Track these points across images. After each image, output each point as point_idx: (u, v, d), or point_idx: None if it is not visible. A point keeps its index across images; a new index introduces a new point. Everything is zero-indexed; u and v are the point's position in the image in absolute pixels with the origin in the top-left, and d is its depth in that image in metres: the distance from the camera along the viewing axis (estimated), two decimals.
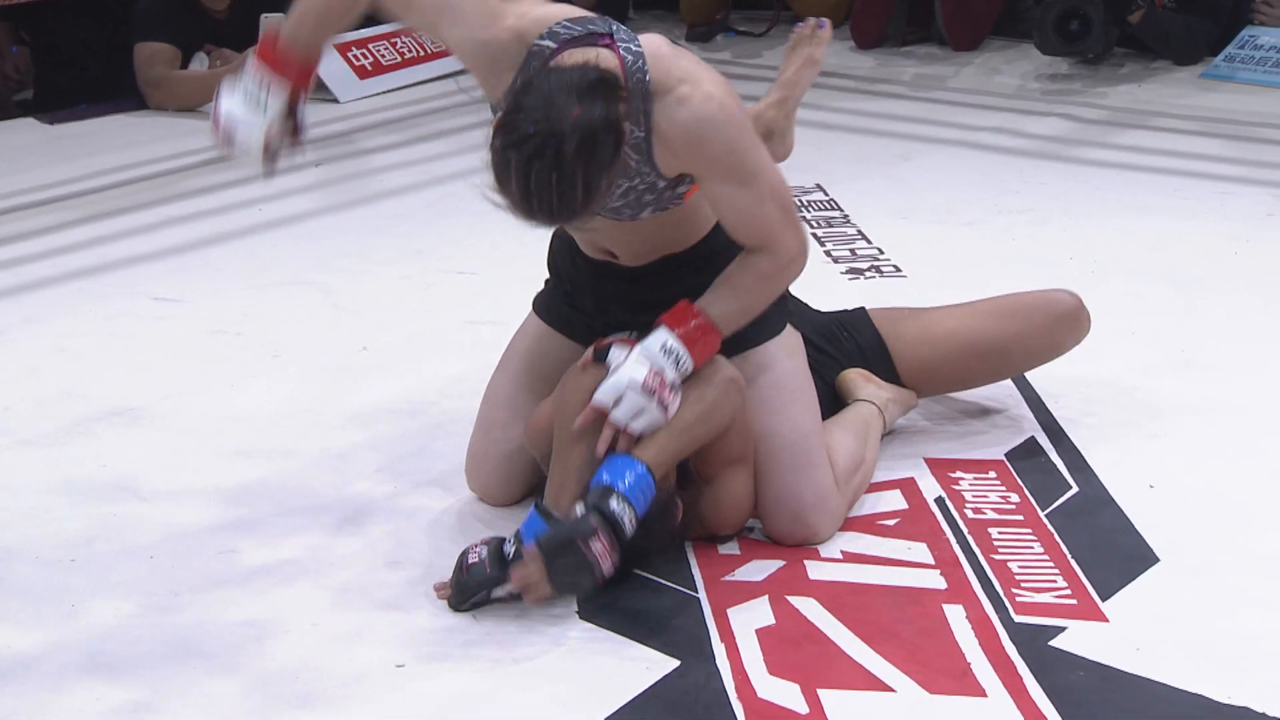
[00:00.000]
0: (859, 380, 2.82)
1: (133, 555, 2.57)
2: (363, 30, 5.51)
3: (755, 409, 2.50)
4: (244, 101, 2.49)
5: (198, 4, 5.21)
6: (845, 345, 2.86)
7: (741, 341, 2.50)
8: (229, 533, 2.63)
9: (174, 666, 2.27)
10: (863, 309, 2.92)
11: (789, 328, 2.58)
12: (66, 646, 2.32)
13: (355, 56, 5.41)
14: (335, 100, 5.25)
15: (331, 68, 5.31)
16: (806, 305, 2.85)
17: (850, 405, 2.78)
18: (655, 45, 2.36)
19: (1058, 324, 2.86)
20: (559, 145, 2.13)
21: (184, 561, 2.55)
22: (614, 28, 2.37)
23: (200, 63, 5.24)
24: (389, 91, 5.37)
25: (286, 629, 2.36)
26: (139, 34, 5.16)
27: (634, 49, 2.33)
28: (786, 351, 2.55)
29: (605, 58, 2.29)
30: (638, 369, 2.36)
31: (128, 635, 2.35)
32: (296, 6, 2.52)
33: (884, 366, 2.85)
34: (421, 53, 5.58)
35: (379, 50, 5.50)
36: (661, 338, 2.39)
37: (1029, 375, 3.08)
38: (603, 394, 2.36)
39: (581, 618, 2.38)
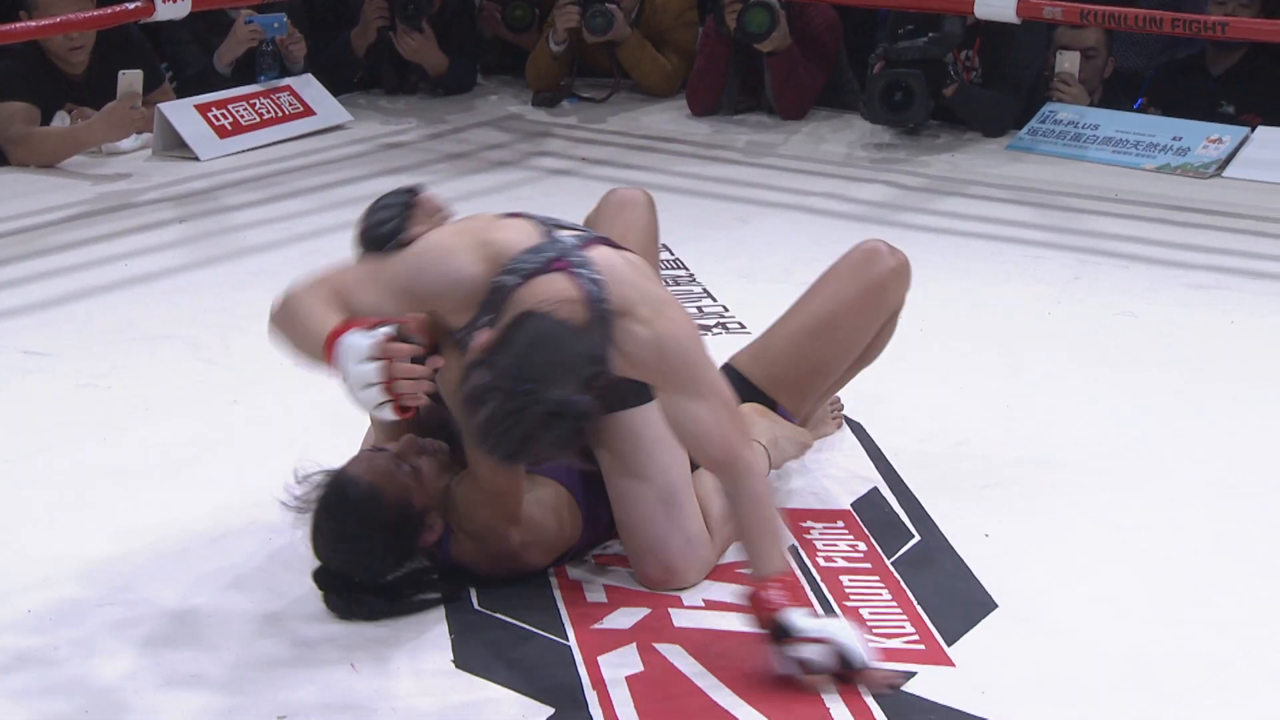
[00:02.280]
0: (752, 417, 2.72)
1: (7, 607, 2.45)
2: (222, 92, 5.40)
3: (625, 462, 2.48)
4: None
5: (53, 66, 5.07)
6: None
7: (614, 405, 2.45)
8: (107, 585, 2.53)
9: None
10: (728, 364, 2.84)
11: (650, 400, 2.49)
12: None
13: (215, 117, 5.29)
14: (196, 159, 5.12)
15: (192, 127, 5.19)
16: None
17: None
18: (612, 268, 2.34)
19: (871, 274, 2.80)
20: (530, 408, 2.11)
21: (61, 614, 2.45)
22: (566, 252, 2.34)
23: (62, 120, 5.08)
24: (248, 150, 5.26)
25: (166, 680, 2.28)
26: None
27: (593, 277, 2.30)
28: (655, 412, 2.48)
29: (569, 292, 2.27)
30: (849, 645, 2.23)
31: (7, 690, 2.25)
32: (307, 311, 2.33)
33: (749, 394, 2.76)
34: (280, 114, 5.48)
35: (238, 111, 5.38)
36: (799, 623, 2.23)
37: (866, 427, 3.11)
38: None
39: (457, 666, 2.33)
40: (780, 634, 2.23)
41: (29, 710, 2.21)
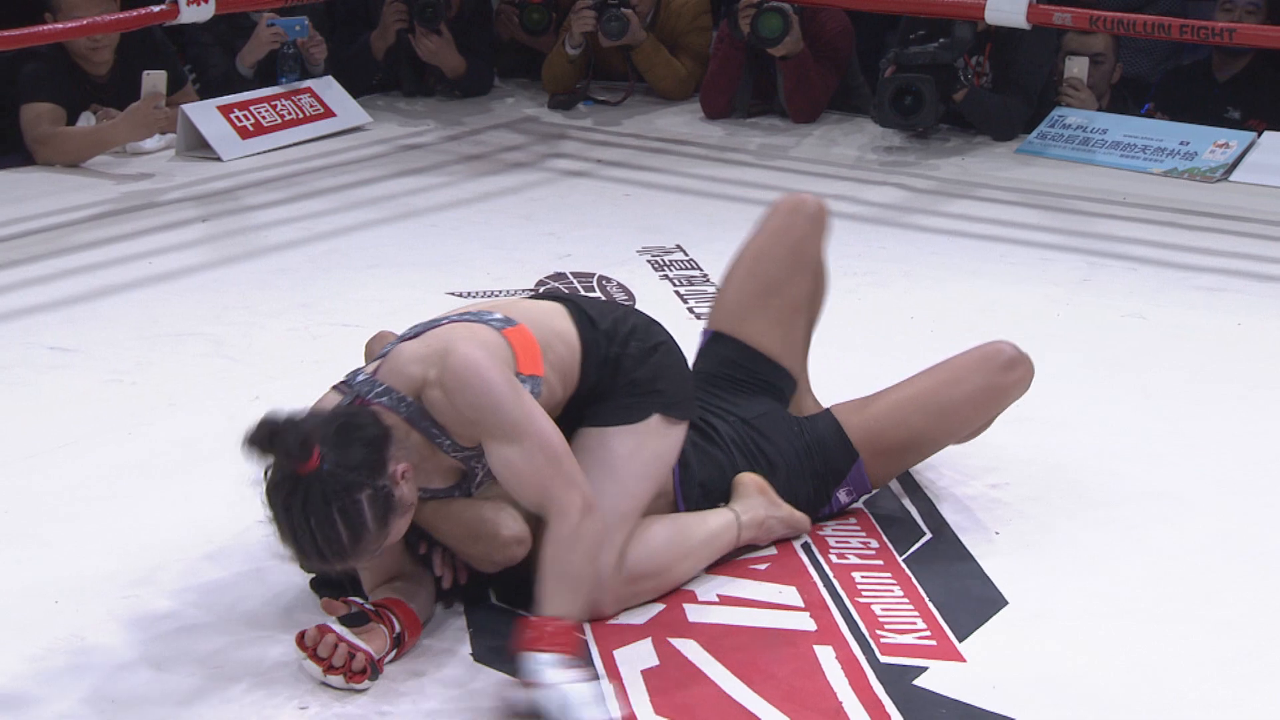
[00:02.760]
0: (746, 486, 2.63)
1: (36, 599, 2.47)
2: (244, 93, 5.41)
3: None
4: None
5: (77, 67, 5.08)
6: (792, 441, 2.70)
7: (590, 420, 2.44)
8: (132, 578, 2.54)
9: (82, 709, 2.18)
10: (828, 410, 2.79)
11: (655, 418, 2.44)
12: None
13: (237, 118, 5.30)
14: (218, 159, 5.14)
15: (214, 128, 5.21)
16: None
17: (712, 509, 2.60)
18: (393, 361, 2.30)
19: (1000, 378, 2.74)
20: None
21: (86, 606, 2.46)
22: (358, 389, 2.30)
23: (87, 120, 5.10)
24: (269, 151, 5.27)
25: (190, 672, 2.29)
26: (24, 96, 5.00)
27: (383, 392, 2.28)
28: (630, 437, 2.42)
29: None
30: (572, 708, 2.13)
31: (34, 679, 2.26)
32: None
33: (838, 442, 2.70)
34: (301, 115, 5.49)
35: (260, 112, 5.39)
36: (533, 666, 2.15)
37: None
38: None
39: (476, 660, 2.34)
40: (518, 670, 2.17)
41: (55, 700, 2.22)
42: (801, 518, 2.67)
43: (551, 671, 2.14)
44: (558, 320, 2.46)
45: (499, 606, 2.47)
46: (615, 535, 2.39)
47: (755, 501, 2.62)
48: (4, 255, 4.18)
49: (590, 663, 2.26)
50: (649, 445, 2.45)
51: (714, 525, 2.57)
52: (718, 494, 2.63)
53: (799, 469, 2.69)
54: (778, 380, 2.81)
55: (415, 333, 2.39)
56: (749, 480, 2.63)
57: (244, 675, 2.29)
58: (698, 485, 2.61)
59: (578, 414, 2.44)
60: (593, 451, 2.41)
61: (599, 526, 2.27)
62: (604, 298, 3.86)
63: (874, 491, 2.80)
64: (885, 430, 2.71)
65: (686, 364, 2.61)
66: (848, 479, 2.72)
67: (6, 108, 5.11)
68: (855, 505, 2.79)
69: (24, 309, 3.79)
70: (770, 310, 2.82)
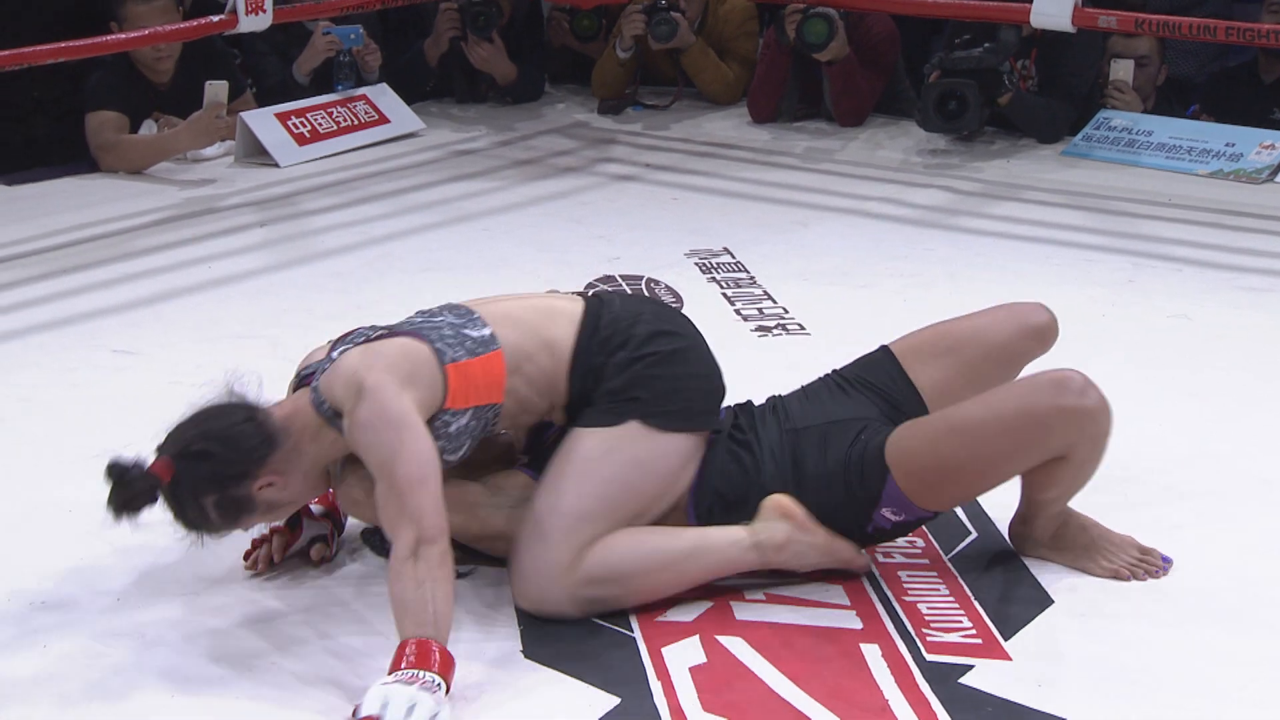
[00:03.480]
0: (768, 509, 2.46)
1: (101, 597, 2.48)
2: (301, 101, 5.43)
3: (549, 470, 2.45)
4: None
5: (141, 76, 5.12)
6: (845, 451, 2.50)
7: (574, 423, 2.46)
8: (192, 575, 2.55)
9: (146, 702, 2.19)
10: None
11: (633, 424, 2.41)
12: (39, 685, 2.24)
13: (294, 124, 5.33)
14: (276, 165, 5.16)
15: (272, 135, 5.24)
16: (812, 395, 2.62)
17: (720, 527, 2.47)
18: (329, 374, 2.39)
19: (1036, 401, 2.43)
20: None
21: (149, 602, 2.47)
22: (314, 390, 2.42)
23: (149, 128, 5.14)
24: (326, 157, 5.29)
25: (251, 668, 2.30)
26: (90, 104, 5.05)
27: (321, 400, 2.39)
28: (598, 440, 2.41)
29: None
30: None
31: (97, 675, 2.27)
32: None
33: (875, 456, 2.47)
34: (356, 121, 5.51)
35: (316, 119, 5.42)
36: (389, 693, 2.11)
37: None
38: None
39: (525, 656, 2.33)
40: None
41: (119, 690, 2.24)
42: (844, 546, 2.47)
43: (389, 682, 2.12)
44: (558, 327, 2.47)
45: None
46: (571, 535, 2.38)
47: (777, 525, 2.45)
48: (69, 260, 4.21)
49: (436, 684, 2.13)
50: (623, 450, 2.41)
51: (713, 541, 2.45)
52: (739, 506, 2.48)
53: (831, 480, 2.48)
54: (903, 401, 2.59)
55: (371, 335, 2.46)
56: (772, 502, 2.46)
57: (298, 670, 2.29)
58: (713, 494, 2.50)
59: (574, 419, 2.47)
60: (562, 451, 2.44)
61: (435, 556, 2.22)
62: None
63: (931, 515, 2.51)
64: (914, 452, 2.44)
65: (698, 374, 2.51)
66: (883, 498, 2.46)
67: (71, 109, 5.16)
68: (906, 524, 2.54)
69: (88, 313, 3.82)
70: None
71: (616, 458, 2.42)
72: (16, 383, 3.38)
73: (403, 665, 2.14)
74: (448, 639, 2.19)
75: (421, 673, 2.12)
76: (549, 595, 2.39)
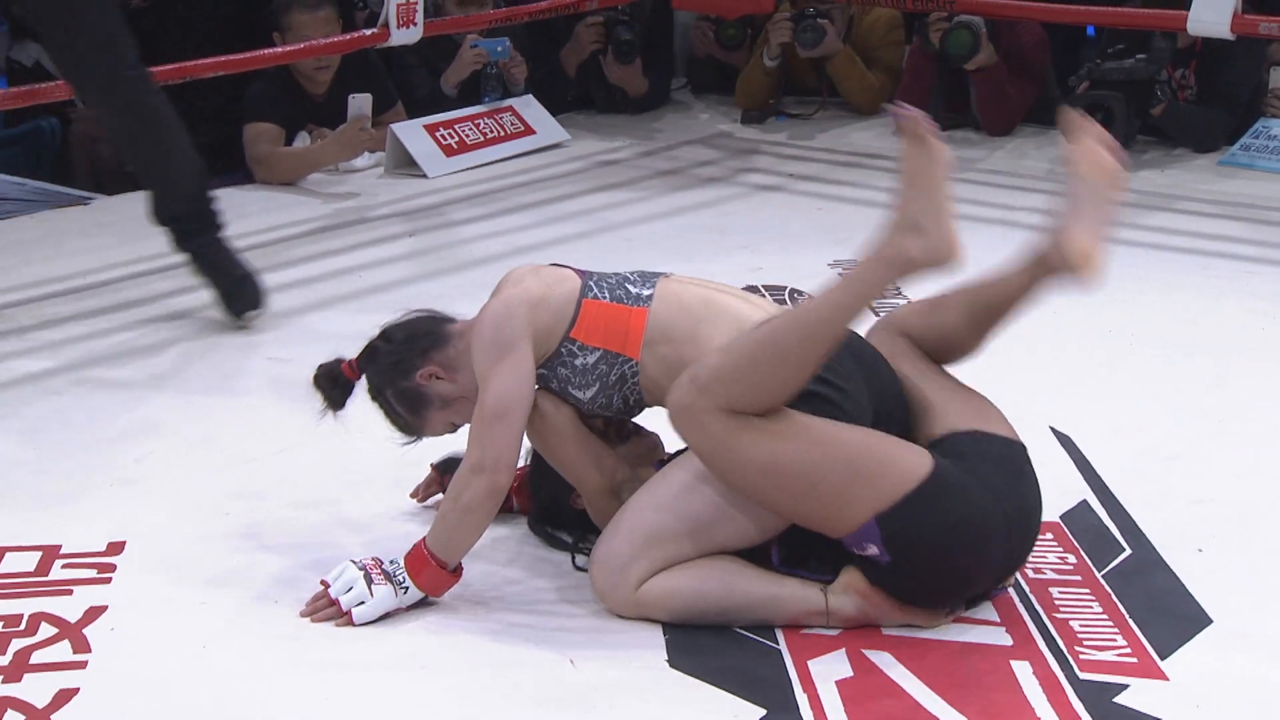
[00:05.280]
0: (840, 580, 2.39)
1: (259, 600, 2.54)
2: (449, 112, 5.51)
3: (673, 465, 2.47)
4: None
5: (299, 87, 5.23)
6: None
7: None
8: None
9: (301, 704, 2.23)
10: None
11: None
12: (196, 685, 2.29)
13: (442, 136, 5.41)
14: (425, 176, 5.24)
15: (421, 146, 5.32)
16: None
17: (797, 583, 2.41)
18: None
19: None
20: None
21: (300, 599, 2.52)
22: None
23: (304, 140, 5.25)
24: (473, 168, 5.36)
25: (407, 669, 2.33)
26: (249, 115, 5.17)
27: None
28: (688, 471, 2.41)
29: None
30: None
31: (255, 677, 2.32)
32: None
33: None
34: (502, 133, 5.58)
35: (463, 130, 5.49)
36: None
37: (1075, 439, 3.03)
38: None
39: (671, 666, 2.33)
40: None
41: (276, 695, 2.29)
42: (919, 614, 2.37)
43: (358, 561, 2.46)
44: (715, 328, 2.42)
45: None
46: (643, 551, 2.37)
47: (848, 598, 2.38)
48: None
49: (404, 588, 2.43)
50: (713, 485, 2.37)
51: (785, 600, 2.39)
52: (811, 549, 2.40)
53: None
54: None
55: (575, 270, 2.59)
56: (847, 578, 2.39)
57: (449, 679, 2.32)
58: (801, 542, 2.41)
59: None
60: (679, 460, 2.46)
61: (479, 489, 2.42)
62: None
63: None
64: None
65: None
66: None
67: (229, 118, 5.28)
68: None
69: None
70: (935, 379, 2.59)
71: (706, 491, 2.38)
72: (178, 388, 3.47)
73: (399, 560, 2.44)
74: (455, 561, 2.44)
75: (398, 573, 2.43)
76: (610, 596, 2.42)
